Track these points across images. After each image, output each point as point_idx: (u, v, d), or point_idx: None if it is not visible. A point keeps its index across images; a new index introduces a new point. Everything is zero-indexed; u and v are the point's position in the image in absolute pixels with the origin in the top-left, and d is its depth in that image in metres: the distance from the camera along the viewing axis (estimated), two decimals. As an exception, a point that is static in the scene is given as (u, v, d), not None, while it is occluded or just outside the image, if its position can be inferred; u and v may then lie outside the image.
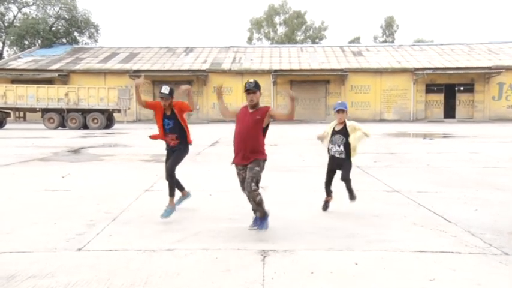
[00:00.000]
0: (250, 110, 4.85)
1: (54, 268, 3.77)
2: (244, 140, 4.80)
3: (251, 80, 4.81)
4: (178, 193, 5.90)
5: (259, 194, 4.72)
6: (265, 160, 4.89)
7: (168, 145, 5.84)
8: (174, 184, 5.73)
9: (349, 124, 5.66)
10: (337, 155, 5.69)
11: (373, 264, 3.88)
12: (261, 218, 4.81)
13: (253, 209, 4.91)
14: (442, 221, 5.34)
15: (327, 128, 5.88)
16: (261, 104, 4.93)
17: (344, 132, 5.64)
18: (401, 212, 5.84)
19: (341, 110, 5.59)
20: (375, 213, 5.74)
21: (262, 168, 4.83)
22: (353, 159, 5.77)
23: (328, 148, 5.79)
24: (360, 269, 3.77)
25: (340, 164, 5.72)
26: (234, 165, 5.01)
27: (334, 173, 5.82)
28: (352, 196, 5.78)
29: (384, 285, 3.44)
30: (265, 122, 4.84)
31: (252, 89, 4.72)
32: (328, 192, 5.88)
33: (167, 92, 5.63)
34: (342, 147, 5.63)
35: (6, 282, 3.49)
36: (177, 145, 5.76)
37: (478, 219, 5.39)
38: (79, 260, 3.99)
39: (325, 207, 5.86)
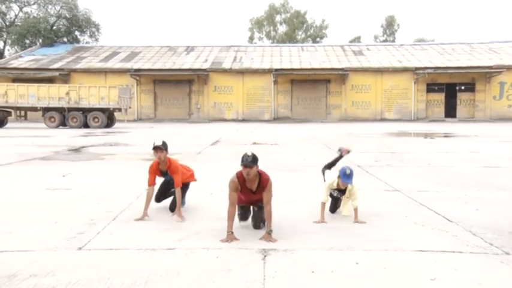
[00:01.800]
0: (253, 190, 4.81)
1: (55, 267, 3.77)
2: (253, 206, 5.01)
3: (249, 154, 4.62)
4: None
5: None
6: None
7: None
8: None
9: (350, 191, 5.50)
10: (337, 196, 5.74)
11: (374, 263, 3.88)
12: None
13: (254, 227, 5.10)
14: (443, 221, 5.34)
15: (326, 190, 5.58)
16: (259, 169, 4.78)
17: (343, 193, 5.60)
18: (402, 211, 5.83)
19: (347, 183, 5.40)
20: (376, 213, 5.74)
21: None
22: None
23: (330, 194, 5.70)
24: (360, 268, 3.77)
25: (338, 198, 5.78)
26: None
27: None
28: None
29: (384, 284, 3.44)
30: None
31: (249, 164, 4.58)
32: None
33: (160, 143, 5.57)
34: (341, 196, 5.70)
35: (8, 281, 3.49)
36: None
37: (479, 219, 5.38)
38: (80, 259, 4.00)
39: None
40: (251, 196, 4.88)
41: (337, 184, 5.48)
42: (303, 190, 7.36)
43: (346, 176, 5.32)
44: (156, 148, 5.59)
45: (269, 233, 4.58)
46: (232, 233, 4.56)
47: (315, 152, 12.84)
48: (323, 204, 5.43)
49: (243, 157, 4.60)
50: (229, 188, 4.74)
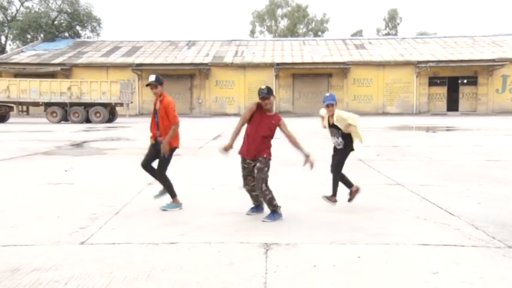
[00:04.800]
0: (268, 113, 5.14)
1: (58, 261, 3.78)
2: (260, 138, 5.12)
3: (263, 87, 5.09)
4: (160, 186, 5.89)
5: (268, 193, 5.08)
6: (270, 159, 5.23)
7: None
8: (166, 182, 5.70)
9: (336, 116, 5.52)
10: (337, 147, 5.69)
11: (376, 257, 3.88)
12: (272, 212, 5.14)
13: (254, 204, 5.37)
14: (445, 214, 5.34)
15: (322, 112, 5.79)
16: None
17: (337, 128, 5.59)
18: (404, 205, 5.83)
19: (330, 104, 5.51)
20: (378, 207, 5.74)
21: (269, 168, 5.18)
22: (359, 144, 5.76)
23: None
24: (362, 262, 3.78)
25: (338, 153, 5.72)
26: (240, 157, 5.27)
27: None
28: (332, 196, 5.69)
29: (387, 278, 3.44)
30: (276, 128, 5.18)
31: (266, 95, 5.01)
32: (349, 184, 5.77)
33: (153, 78, 5.56)
34: (340, 139, 5.61)
35: (11, 275, 3.50)
36: (161, 141, 5.63)
37: (481, 213, 5.38)
38: (82, 253, 4.01)
39: (351, 198, 5.78)
40: (257, 128, 5.08)
41: (327, 116, 5.61)
42: (305, 184, 7.36)
43: (326, 97, 5.54)
44: (149, 85, 5.60)
45: (307, 155, 5.13)
46: (231, 146, 5.05)
47: (316, 146, 12.82)
48: (321, 115, 5.83)
49: (259, 91, 5.04)
50: (246, 109, 5.22)
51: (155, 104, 5.73)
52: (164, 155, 5.59)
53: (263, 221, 5.06)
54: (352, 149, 5.74)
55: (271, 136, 5.21)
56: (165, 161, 5.67)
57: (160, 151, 5.57)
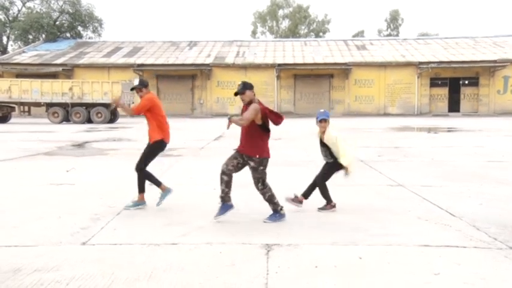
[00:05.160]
0: (244, 107, 5.15)
1: (59, 262, 3.79)
2: (243, 134, 5.18)
3: (239, 82, 5.15)
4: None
5: (267, 191, 5.09)
6: (267, 158, 5.13)
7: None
8: (142, 179, 5.81)
9: (328, 141, 5.51)
10: (326, 161, 5.70)
11: (378, 258, 3.88)
12: (273, 211, 5.14)
13: (221, 196, 5.14)
14: (446, 215, 5.33)
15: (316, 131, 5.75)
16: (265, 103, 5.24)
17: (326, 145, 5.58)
18: (405, 206, 5.83)
19: (323, 120, 5.50)
20: (379, 207, 5.74)
21: (265, 167, 5.11)
22: (346, 162, 5.54)
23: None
24: (364, 263, 3.77)
25: (323, 168, 5.74)
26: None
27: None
28: (327, 204, 5.64)
29: (388, 279, 3.44)
30: (257, 119, 5.01)
31: (240, 91, 5.04)
32: (329, 198, 5.66)
33: (137, 82, 5.75)
34: (329, 156, 5.60)
35: (12, 275, 3.51)
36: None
37: (482, 214, 5.37)
38: (84, 254, 4.01)
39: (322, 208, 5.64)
40: (242, 113, 5.12)
41: (319, 134, 5.57)
42: (306, 185, 7.34)
43: (320, 113, 5.53)
44: (133, 89, 5.75)
45: (229, 118, 4.98)
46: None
47: (318, 147, 12.82)
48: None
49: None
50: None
51: None
52: (146, 149, 5.80)
53: (264, 221, 5.06)
54: (342, 167, 5.59)
55: (253, 131, 5.05)
56: (146, 155, 5.79)
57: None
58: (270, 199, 5.11)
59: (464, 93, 40.82)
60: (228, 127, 4.98)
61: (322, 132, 5.54)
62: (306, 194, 5.70)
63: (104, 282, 3.38)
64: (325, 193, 5.61)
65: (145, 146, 5.93)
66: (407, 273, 3.54)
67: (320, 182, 5.62)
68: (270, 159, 5.17)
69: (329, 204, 5.61)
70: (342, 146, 5.47)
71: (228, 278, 3.45)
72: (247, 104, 5.08)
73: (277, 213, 5.12)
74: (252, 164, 5.07)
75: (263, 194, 5.11)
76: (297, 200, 5.64)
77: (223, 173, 5.13)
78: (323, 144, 5.58)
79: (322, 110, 5.64)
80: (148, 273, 3.55)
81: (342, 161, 5.46)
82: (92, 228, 4.81)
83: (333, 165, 5.60)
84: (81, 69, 40.93)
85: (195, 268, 3.66)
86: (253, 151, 5.05)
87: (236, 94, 5.07)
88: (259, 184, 5.08)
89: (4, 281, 3.40)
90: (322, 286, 3.32)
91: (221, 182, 5.15)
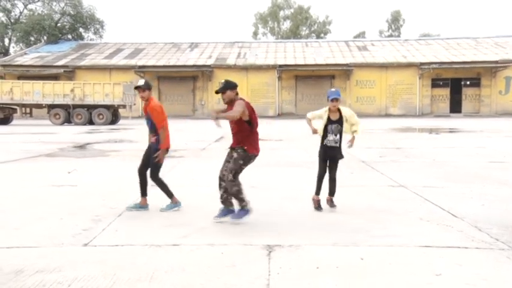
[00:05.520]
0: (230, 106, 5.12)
1: (61, 263, 3.79)
2: (233, 133, 5.16)
3: (222, 81, 5.15)
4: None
5: (235, 185, 4.97)
6: (253, 154, 5.08)
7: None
8: (160, 185, 5.79)
9: (347, 114, 5.65)
10: (332, 144, 5.65)
11: (379, 259, 3.88)
12: (240, 209, 5.07)
13: (221, 200, 5.15)
14: (448, 216, 5.32)
15: (315, 112, 5.80)
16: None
17: (341, 121, 5.63)
18: (407, 207, 5.82)
19: (335, 99, 5.55)
20: (380, 208, 5.73)
21: (245, 162, 5.04)
22: (360, 131, 5.78)
23: (322, 137, 5.69)
24: (365, 264, 3.77)
25: (334, 155, 5.70)
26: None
27: (327, 163, 5.77)
28: (333, 204, 5.76)
29: (389, 280, 3.44)
30: (244, 116, 5.00)
31: (220, 90, 5.06)
32: (319, 188, 5.72)
33: (142, 82, 5.62)
34: (338, 136, 5.63)
35: (15, 276, 3.51)
36: (154, 144, 5.73)
37: (484, 214, 5.37)
38: (85, 255, 4.02)
39: (319, 207, 5.69)
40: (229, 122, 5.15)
41: (329, 111, 5.59)
42: (307, 186, 7.34)
43: (332, 92, 5.56)
44: (136, 88, 5.63)
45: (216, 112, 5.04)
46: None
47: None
48: (308, 119, 5.78)
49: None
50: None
51: (145, 109, 5.78)
52: (155, 158, 5.63)
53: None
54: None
55: (239, 127, 5.06)
56: (156, 165, 5.72)
57: (153, 156, 5.65)
58: (236, 194, 4.99)
59: (465, 94, 40.77)
60: (217, 125, 4.91)
61: (334, 111, 5.61)
62: (331, 192, 5.76)
63: (105, 283, 3.39)
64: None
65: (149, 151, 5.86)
66: (408, 274, 3.54)
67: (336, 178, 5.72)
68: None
69: (319, 194, 5.76)
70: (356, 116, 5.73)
71: (229, 279, 3.45)
72: (228, 103, 5.08)
73: (242, 209, 5.07)
74: (235, 155, 5.02)
75: (231, 186, 4.95)
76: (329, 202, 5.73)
77: (220, 179, 5.12)
78: (333, 122, 5.61)
79: (333, 89, 5.69)
80: (149, 274, 3.55)
81: (359, 127, 5.69)
82: (93, 230, 4.82)
83: (341, 153, 5.70)
84: (82, 71, 40.98)
85: (197, 269, 3.66)
86: (241, 143, 5.05)
87: (217, 92, 5.05)
88: (230, 175, 4.95)
89: (6, 283, 3.40)
90: (323, 287, 3.32)
91: (219, 188, 5.15)
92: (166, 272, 3.59)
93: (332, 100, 5.55)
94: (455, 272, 3.59)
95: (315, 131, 5.77)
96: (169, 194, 5.77)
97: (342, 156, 5.75)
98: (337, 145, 5.66)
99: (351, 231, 4.72)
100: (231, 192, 5.02)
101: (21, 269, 3.66)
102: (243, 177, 5.30)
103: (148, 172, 5.79)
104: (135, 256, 3.98)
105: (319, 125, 5.71)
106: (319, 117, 5.74)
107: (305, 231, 4.76)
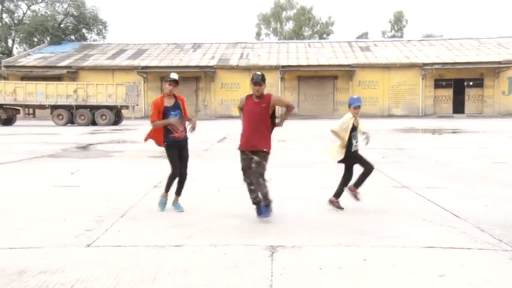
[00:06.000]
0: (256, 100, 5.20)
1: (64, 264, 3.80)
2: (254, 127, 5.17)
3: (258, 73, 5.19)
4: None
5: (265, 186, 5.16)
6: (269, 153, 5.26)
7: (172, 139, 5.71)
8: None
9: (361, 123, 5.82)
10: (356, 149, 5.72)
11: (382, 260, 3.87)
12: (266, 205, 5.18)
13: (253, 202, 5.29)
14: (451, 217, 5.31)
15: (343, 123, 5.71)
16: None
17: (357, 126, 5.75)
18: (409, 207, 5.81)
19: (358, 106, 5.63)
20: (383, 209, 5.73)
21: (267, 162, 5.24)
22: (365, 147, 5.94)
23: (348, 144, 5.67)
24: (368, 265, 3.77)
25: (357, 158, 5.74)
26: (240, 151, 5.31)
27: (352, 169, 5.81)
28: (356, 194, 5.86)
29: (392, 281, 3.43)
30: (270, 109, 5.21)
31: (259, 81, 5.10)
32: (340, 194, 5.78)
33: (177, 77, 5.66)
34: (357, 141, 5.73)
35: (18, 277, 3.52)
36: (186, 137, 5.82)
37: (487, 215, 5.35)
38: (88, 256, 4.02)
39: (340, 206, 5.73)
40: (250, 118, 5.19)
41: (354, 118, 5.63)
42: (310, 187, 7.35)
43: (356, 99, 5.63)
44: (172, 81, 5.63)
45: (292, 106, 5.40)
46: None
47: (322, 148, 12.80)
48: (335, 132, 5.69)
49: (253, 76, 5.15)
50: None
51: (162, 106, 5.72)
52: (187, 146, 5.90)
53: (265, 219, 5.13)
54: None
55: (266, 124, 5.19)
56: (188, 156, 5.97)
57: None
58: (266, 193, 5.14)
59: (468, 95, 40.68)
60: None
61: (356, 117, 5.67)
62: (358, 184, 5.79)
63: (108, 284, 3.39)
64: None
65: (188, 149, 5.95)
66: (411, 275, 3.54)
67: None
68: (275, 161, 5.23)
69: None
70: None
71: (232, 280, 3.45)
72: (259, 97, 5.13)
73: (269, 206, 5.17)
74: (256, 158, 5.13)
75: (262, 189, 5.12)
76: (353, 192, 5.78)
77: (248, 184, 5.28)
78: (355, 128, 5.67)
79: (355, 96, 5.73)
80: (153, 275, 3.56)
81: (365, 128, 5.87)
82: (96, 230, 4.82)
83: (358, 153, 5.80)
84: (85, 72, 41.05)
85: (200, 270, 3.66)
86: (261, 144, 5.13)
87: (255, 83, 5.08)
88: (261, 179, 5.13)
89: (9, 283, 3.41)
90: (326, 288, 3.31)
91: (250, 192, 5.29)
92: (169, 273, 3.59)
93: (355, 108, 5.60)
94: (458, 272, 3.58)
95: (344, 144, 5.69)
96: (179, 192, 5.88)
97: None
98: (358, 149, 5.77)
99: (353, 232, 4.72)
100: (263, 193, 5.15)
101: (24, 270, 3.67)
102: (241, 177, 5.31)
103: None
104: (138, 257, 3.99)
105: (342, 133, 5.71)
106: (346, 129, 5.67)
107: (308, 231, 4.76)
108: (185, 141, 5.81)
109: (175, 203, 5.80)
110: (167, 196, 5.78)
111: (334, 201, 5.73)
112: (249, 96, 5.29)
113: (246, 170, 5.25)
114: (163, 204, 5.74)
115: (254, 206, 5.32)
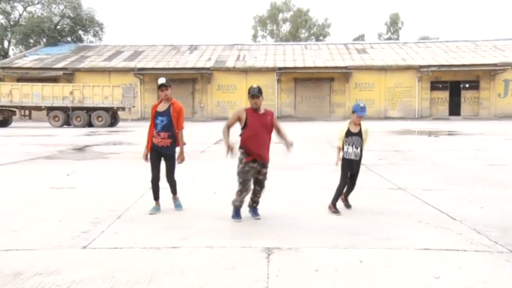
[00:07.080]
0: (260, 112, 5.23)
1: (60, 265, 3.79)
2: (263, 139, 5.21)
3: (255, 86, 5.21)
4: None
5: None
6: None
7: (154, 146, 5.69)
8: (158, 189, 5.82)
9: (364, 129, 5.69)
10: (353, 157, 5.62)
11: (378, 262, 3.88)
12: (256, 207, 5.52)
13: (249, 205, 5.51)
14: (447, 219, 5.32)
15: (340, 133, 5.71)
16: (263, 106, 5.32)
17: (361, 134, 5.64)
18: (406, 209, 5.82)
19: (361, 116, 5.57)
20: (380, 211, 5.73)
21: None
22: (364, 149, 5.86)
23: (343, 150, 5.66)
24: (365, 266, 3.77)
25: (356, 167, 5.71)
26: (245, 162, 5.23)
27: (348, 176, 5.75)
28: (348, 204, 5.92)
29: (389, 283, 3.44)
30: (274, 124, 5.36)
31: (256, 94, 5.13)
32: (337, 199, 5.75)
33: (164, 81, 5.59)
34: (359, 150, 5.62)
35: (13, 279, 3.51)
36: (168, 146, 5.67)
37: (484, 217, 5.37)
38: (84, 258, 4.01)
39: (337, 210, 5.66)
40: (260, 129, 5.19)
41: (351, 124, 5.63)
42: (307, 188, 7.36)
43: (361, 108, 5.57)
44: (162, 86, 5.56)
45: (291, 143, 5.36)
46: (230, 146, 5.09)
47: (318, 150, 12.83)
48: (338, 148, 5.73)
49: (249, 89, 5.16)
50: (232, 116, 5.33)
51: (155, 108, 5.72)
52: (172, 156, 5.80)
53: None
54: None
55: (270, 137, 5.33)
56: (174, 167, 5.93)
57: (176, 159, 5.80)
58: (260, 197, 5.45)
59: (464, 97, 40.87)
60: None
61: (356, 124, 5.64)
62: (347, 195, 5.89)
63: (104, 285, 3.38)
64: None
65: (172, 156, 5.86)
66: (408, 277, 3.54)
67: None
68: (272, 163, 5.29)
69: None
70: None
71: (228, 282, 3.44)
72: (256, 110, 5.18)
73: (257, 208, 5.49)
74: (265, 170, 5.29)
75: (261, 195, 5.44)
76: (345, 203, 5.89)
77: (254, 194, 5.45)
78: (353, 134, 5.63)
79: (362, 105, 5.67)
80: (149, 276, 3.55)
81: (365, 146, 5.76)
82: (92, 232, 4.81)
83: (359, 164, 5.75)
84: (82, 73, 41.01)
85: (196, 271, 3.65)
86: (268, 156, 5.30)
87: (253, 95, 5.11)
88: (264, 187, 5.39)
89: (5, 285, 3.40)
90: (323, 290, 3.31)
91: (252, 199, 5.50)
92: (165, 275, 3.59)
93: (359, 116, 5.57)
94: (454, 274, 3.59)
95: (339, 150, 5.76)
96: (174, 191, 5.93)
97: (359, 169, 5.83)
98: (357, 158, 5.65)
99: (350, 234, 4.72)
100: (259, 197, 5.45)
101: (19, 272, 3.65)
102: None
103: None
104: (134, 258, 3.98)
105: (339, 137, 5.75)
106: (341, 138, 5.70)
107: (304, 233, 4.76)
108: (167, 151, 5.69)
109: (174, 201, 5.91)
110: (159, 203, 5.79)
111: (331, 206, 5.73)
112: (249, 110, 5.24)
113: (248, 182, 5.22)
114: (156, 210, 5.74)
115: (248, 208, 5.51)
